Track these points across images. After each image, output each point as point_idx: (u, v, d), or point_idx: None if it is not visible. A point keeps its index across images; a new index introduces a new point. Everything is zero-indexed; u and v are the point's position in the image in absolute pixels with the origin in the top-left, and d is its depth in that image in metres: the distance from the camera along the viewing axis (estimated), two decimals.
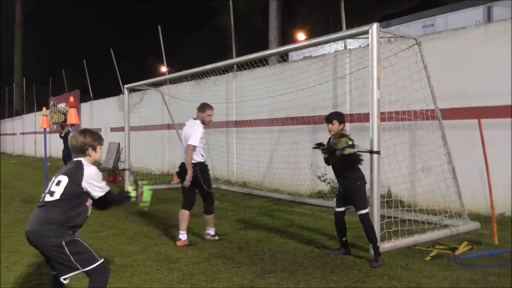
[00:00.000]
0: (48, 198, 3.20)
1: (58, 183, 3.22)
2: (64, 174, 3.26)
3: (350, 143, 4.80)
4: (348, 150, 4.75)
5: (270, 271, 4.69)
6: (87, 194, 3.27)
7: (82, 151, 3.38)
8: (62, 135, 10.79)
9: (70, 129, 9.11)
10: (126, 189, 3.69)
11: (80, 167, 3.28)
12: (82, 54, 24.61)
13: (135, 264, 4.96)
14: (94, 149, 3.41)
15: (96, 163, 3.47)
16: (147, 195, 3.65)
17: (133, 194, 3.60)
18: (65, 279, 3.18)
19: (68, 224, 3.18)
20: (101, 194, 3.30)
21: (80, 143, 3.37)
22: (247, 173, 11.54)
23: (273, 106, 10.24)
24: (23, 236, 6.41)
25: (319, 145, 5.17)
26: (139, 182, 3.69)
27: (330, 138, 5.21)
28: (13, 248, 5.68)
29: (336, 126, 5.01)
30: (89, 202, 3.34)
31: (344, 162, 4.89)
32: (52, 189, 3.22)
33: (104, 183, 3.35)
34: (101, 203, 3.41)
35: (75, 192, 3.21)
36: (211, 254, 5.36)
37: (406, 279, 4.36)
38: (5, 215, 7.88)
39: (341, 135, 5.01)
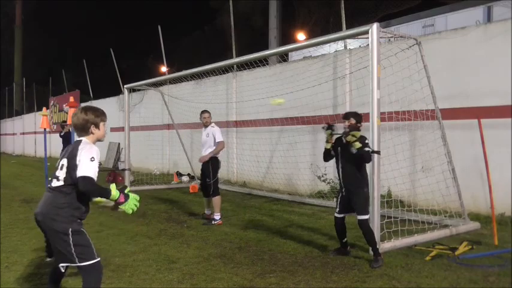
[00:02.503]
0: (54, 183, 3.17)
1: (62, 167, 3.17)
2: (65, 157, 3.19)
3: (358, 134, 4.73)
4: (357, 144, 4.71)
5: (270, 271, 4.69)
6: None
7: (84, 129, 3.27)
8: (62, 134, 10.78)
9: (71, 129, 9.13)
10: (109, 188, 3.23)
11: (77, 146, 3.16)
12: (82, 54, 24.65)
13: (135, 264, 4.96)
14: (97, 126, 3.29)
15: (101, 141, 3.36)
16: (132, 204, 3.22)
17: (115, 194, 3.15)
18: (62, 266, 3.19)
19: (76, 207, 3.13)
20: (80, 173, 3.02)
21: (82, 120, 3.26)
22: (247, 173, 11.54)
23: (273, 106, 10.21)
24: (23, 236, 6.45)
25: (329, 127, 5.01)
26: (125, 188, 3.28)
27: (340, 136, 5.10)
28: (13, 248, 5.69)
29: (353, 124, 4.96)
30: None
31: (353, 160, 4.83)
32: (57, 174, 3.18)
33: (92, 166, 3.07)
34: (80, 189, 3.09)
35: (74, 176, 3.08)
36: (211, 254, 5.36)
37: (406, 279, 4.37)
38: (5, 215, 7.88)
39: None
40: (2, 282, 4.41)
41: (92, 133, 3.29)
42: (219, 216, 7.11)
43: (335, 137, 5.09)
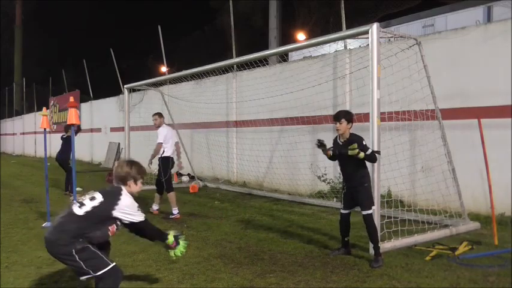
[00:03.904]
0: (75, 209, 3.27)
1: (92, 199, 3.29)
2: (101, 193, 3.33)
3: (356, 146, 4.71)
4: (361, 155, 4.73)
5: (270, 271, 4.69)
6: (114, 220, 3.31)
7: (123, 180, 3.44)
8: (64, 137, 10.73)
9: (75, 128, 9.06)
10: (167, 232, 3.70)
11: (118, 194, 3.34)
12: (82, 54, 24.63)
13: (135, 264, 4.96)
14: (136, 181, 3.47)
15: (133, 195, 3.51)
16: (181, 249, 3.68)
17: (171, 240, 3.62)
18: (82, 278, 3.28)
19: (81, 237, 3.22)
20: (134, 220, 3.35)
21: (125, 173, 3.44)
22: (247, 173, 11.54)
23: (273, 106, 10.24)
24: (23, 236, 6.45)
25: (320, 144, 5.03)
26: (181, 235, 3.73)
27: (336, 137, 5.14)
28: (13, 248, 5.69)
29: (344, 125, 4.94)
30: (113, 228, 3.36)
31: (353, 159, 4.83)
32: (84, 202, 3.29)
33: (139, 213, 3.39)
34: (135, 229, 3.49)
35: (102, 215, 3.26)
36: (211, 254, 5.36)
37: (406, 279, 4.37)
38: (5, 215, 7.88)
39: (350, 135, 4.97)
40: (2, 282, 4.42)
41: (129, 186, 3.46)
42: (177, 211, 7.66)
43: (329, 149, 5.05)
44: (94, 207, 3.24)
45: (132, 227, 3.44)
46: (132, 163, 3.52)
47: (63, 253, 3.17)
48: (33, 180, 13.91)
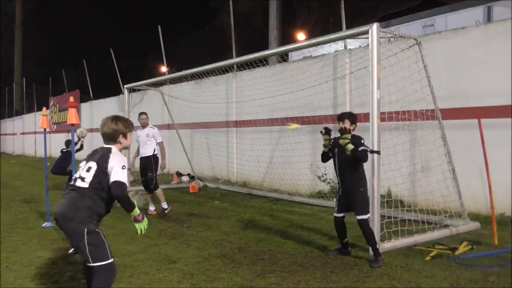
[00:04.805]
0: (79, 183, 3.25)
1: (88, 170, 3.26)
2: (94, 160, 3.29)
3: (349, 137, 4.73)
4: (349, 147, 4.72)
5: (270, 271, 4.69)
6: None
7: (113, 138, 3.41)
8: (64, 151, 10.67)
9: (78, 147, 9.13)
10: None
11: (108, 154, 3.30)
12: (82, 54, 24.65)
13: (135, 264, 4.96)
14: (125, 136, 3.44)
15: (126, 148, 3.52)
16: (143, 225, 3.39)
17: (137, 211, 3.35)
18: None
19: (97, 210, 3.22)
20: (115, 178, 3.16)
21: (112, 130, 3.40)
22: (247, 173, 11.54)
23: (273, 106, 10.24)
24: (23, 236, 6.45)
25: (326, 132, 5.02)
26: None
27: (337, 137, 5.11)
28: (13, 248, 5.69)
29: (347, 125, 4.94)
30: None
31: (350, 160, 4.84)
32: (83, 175, 3.26)
33: (124, 173, 3.23)
34: (114, 193, 3.21)
35: (103, 180, 3.22)
36: (211, 254, 5.36)
37: (406, 279, 4.37)
38: (5, 215, 7.87)
39: (352, 135, 4.94)
40: (2, 282, 4.42)
41: (120, 142, 3.43)
42: (166, 205, 7.87)
43: (331, 139, 5.07)
44: (93, 177, 3.22)
45: (113, 187, 3.18)
46: (116, 118, 3.47)
47: (75, 230, 3.15)
48: (33, 180, 13.91)
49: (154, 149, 8.07)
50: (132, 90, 12.05)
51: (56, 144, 18.06)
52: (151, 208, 8.12)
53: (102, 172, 3.22)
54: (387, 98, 6.21)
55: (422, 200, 6.94)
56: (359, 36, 6.14)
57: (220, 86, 12.70)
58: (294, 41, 18.65)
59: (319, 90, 9.00)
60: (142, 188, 8.45)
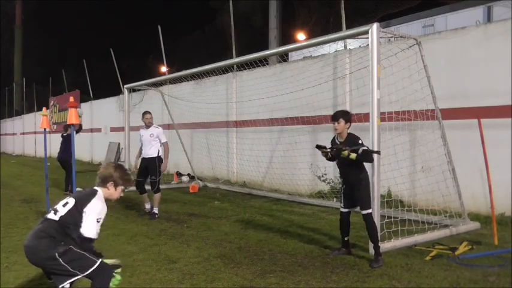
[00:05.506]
0: (51, 215, 3.22)
1: (65, 205, 3.24)
2: (74, 197, 3.29)
3: (346, 154, 4.69)
4: (352, 156, 4.71)
5: (270, 271, 4.69)
6: None
7: (104, 181, 3.38)
8: (64, 134, 10.75)
9: (70, 130, 9.08)
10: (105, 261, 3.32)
11: (91, 196, 3.28)
12: (82, 54, 24.66)
13: (135, 264, 4.96)
14: (116, 185, 3.40)
15: (110, 201, 3.44)
16: (116, 282, 3.24)
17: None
18: (63, 287, 3.16)
19: (62, 241, 3.15)
20: (86, 233, 3.16)
21: (107, 173, 3.38)
22: (247, 173, 11.54)
23: (273, 106, 10.24)
24: (23, 236, 6.42)
25: (319, 147, 5.01)
26: (116, 274, 3.26)
27: (334, 137, 5.14)
28: (13, 248, 5.68)
29: (342, 124, 4.93)
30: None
31: (352, 162, 4.83)
32: (57, 208, 3.25)
33: (97, 227, 3.21)
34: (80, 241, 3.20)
35: (74, 220, 3.17)
36: (211, 254, 5.36)
37: (406, 279, 4.37)
38: (5, 215, 7.88)
39: (348, 134, 4.96)
40: (2, 282, 4.42)
41: (108, 189, 3.39)
42: (157, 211, 7.69)
43: (329, 151, 5.02)
44: (66, 213, 3.18)
45: (81, 239, 3.18)
46: (119, 167, 3.45)
47: (46, 259, 3.09)
48: (33, 180, 13.91)
49: (159, 151, 7.80)
50: (132, 90, 12.06)
51: (56, 144, 18.04)
52: (148, 206, 7.97)
53: (77, 211, 3.19)
54: (387, 98, 6.21)
55: (422, 200, 6.94)
56: (359, 36, 6.15)
57: (220, 86, 12.70)
58: (294, 41, 18.66)
59: (319, 90, 9.00)
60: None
